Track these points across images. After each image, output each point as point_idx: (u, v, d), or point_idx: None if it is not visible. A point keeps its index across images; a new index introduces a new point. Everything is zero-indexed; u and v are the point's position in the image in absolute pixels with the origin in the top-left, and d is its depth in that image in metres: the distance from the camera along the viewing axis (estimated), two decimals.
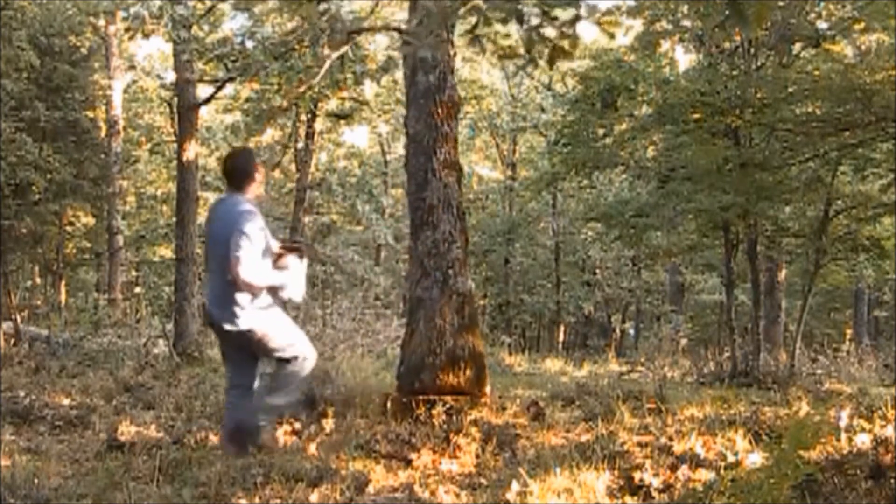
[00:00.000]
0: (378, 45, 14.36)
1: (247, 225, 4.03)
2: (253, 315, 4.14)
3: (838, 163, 9.53)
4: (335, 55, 6.65)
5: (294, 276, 4.30)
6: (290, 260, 4.31)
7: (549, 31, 2.67)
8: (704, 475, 3.63)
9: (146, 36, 10.33)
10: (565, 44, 2.67)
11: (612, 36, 3.00)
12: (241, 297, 4.10)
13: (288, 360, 4.32)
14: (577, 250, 23.97)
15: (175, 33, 10.03)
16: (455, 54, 6.33)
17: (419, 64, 5.91)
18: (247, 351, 4.30)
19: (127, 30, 10.35)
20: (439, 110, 5.88)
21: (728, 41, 10.41)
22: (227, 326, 4.15)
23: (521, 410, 5.89)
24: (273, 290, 4.25)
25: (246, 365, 4.35)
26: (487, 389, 6.07)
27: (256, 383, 4.43)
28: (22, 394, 6.13)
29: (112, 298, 16.90)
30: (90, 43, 17.93)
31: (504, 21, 2.70)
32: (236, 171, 4.23)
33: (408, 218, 6.36)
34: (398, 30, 6.55)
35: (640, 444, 4.50)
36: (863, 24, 8.81)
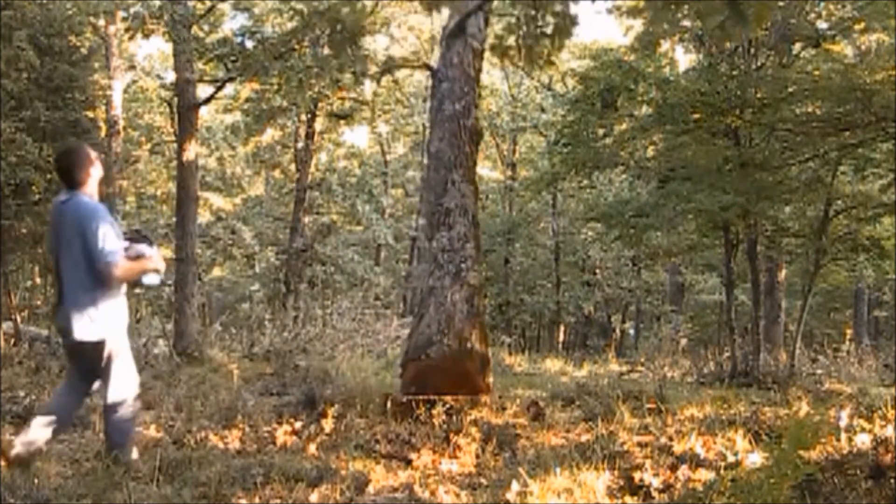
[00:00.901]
0: (378, 46, 14.36)
1: (101, 219, 3.93)
2: (109, 325, 4.00)
3: (838, 163, 9.53)
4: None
5: (153, 262, 4.16)
6: (142, 247, 4.16)
7: None
8: (704, 475, 3.63)
9: (146, 36, 10.35)
10: None
11: None
12: (100, 304, 3.96)
13: (116, 403, 4.04)
14: (577, 250, 23.97)
15: (175, 33, 10.03)
16: (480, 96, 6.80)
17: (447, 94, 6.39)
18: (89, 364, 4.07)
19: (127, 29, 10.36)
20: (462, 133, 6.31)
21: (728, 41, 10.41)
22: (83, 337, 3.94)
23: (521, 410, 5.90)
24: (136, 280, 4.14)
25: (86, 377, 4.16)
26: (490, 380, 6.12)
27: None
28: (22, 394, 6.13)
29: None
30: (90, 43, 17.90)
31: None
32: (71, 168, 4.04)
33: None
34: (430, 68, 6.97)
35: (640, 444, 4.50)
36: (863, 24, 8.82)
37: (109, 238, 3.89)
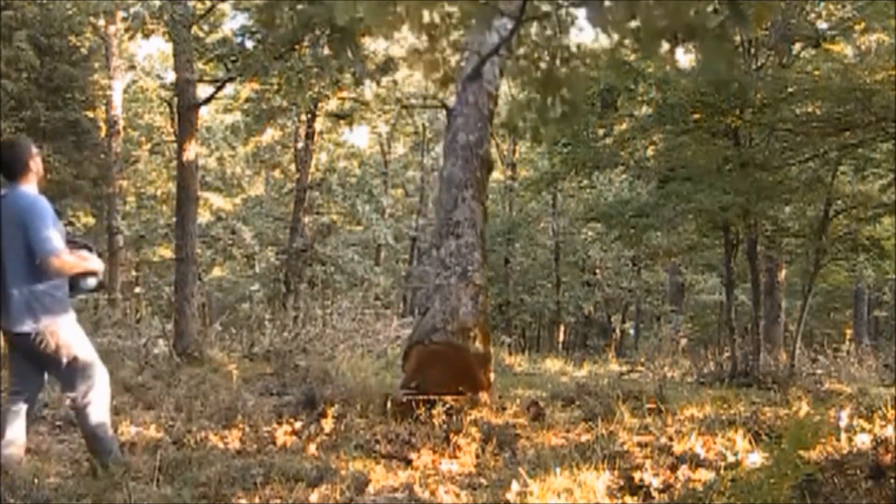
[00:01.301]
0: (378, 46, 14.36)
1: (43, 213, 3.90)
2: (55, 318, 3.95)
3: (838, 163, 9.53)
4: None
5: (93, 263, 4.13)
6: (82, 253, 4.12)
7: None
8: (704, 475, 3.63)
9: (146, 36, 10.34)
10: None
11: None
12: (44, 298, 3.92)
13: (86, 405, 3.99)
14: (577, 250, 23.96)
15: (175, 33, 10.02)
16: (493, 135, 7.29)
17: (461, 127, 6.77)
18: (36, 361, 4.02)
19: (127, 29, 10.36)
20: (474, 160, 6.67)
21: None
22: (27, 328, 3.88)
23: (521, 410, 5.90)
24: (75, 279, 4.07)
25: (33, 374, 4.10)
26: (491, 377, 6.14)
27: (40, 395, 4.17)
28: None
29: (112, 298, 16.90)
30: (90, 43, 17.93)
31: None
32: (12, 161, 4.01)
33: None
34: (445, 107, 7.28)
35: (640, 444, 4.50)
36: (863, 24, 8.82)
37: (50, 230, 3.87)
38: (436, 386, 5.72)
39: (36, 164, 4.07)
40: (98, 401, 4.04)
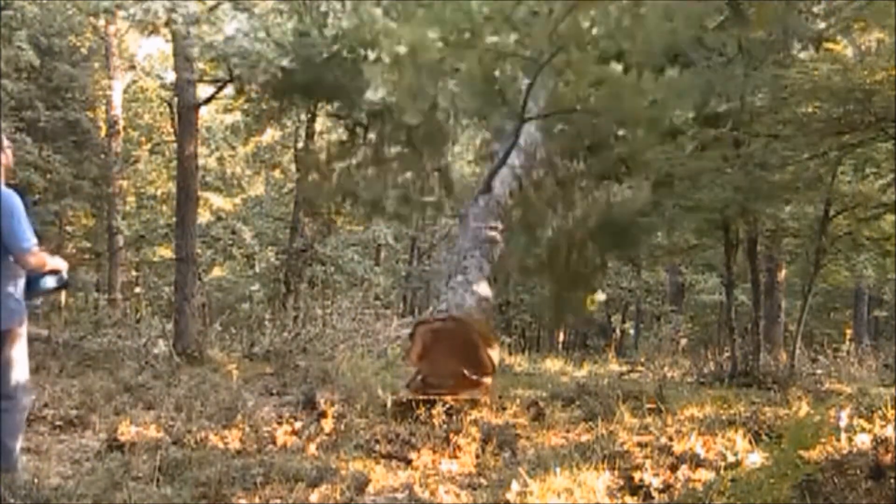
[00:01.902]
0: None
1: (16, 209, 3.85)
2: (20, 312, 3.90)
3: (838, 163, 9.52)
4: None
5: (58, 261, 4.07)
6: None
7: None
8: (704, 475, 3.63)
9: (153, 32, 10.34)
10: None
11: None
12: (14, 292, 3.86)
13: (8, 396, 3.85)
14: None
15: (186, 29, 10.01)
16: (501, 230, 8.00)
17: (473, 218, 7.66)
18: None
19: (131, 25, 10.36)
20: (483, 236, 7.45)
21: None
22: (4, 326, 3.81)
23: (521, 410, 5.91)
24: (35, 279, 3.99)
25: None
26: (495, 359, 6.26)
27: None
28: None
29: (112, 298, 16.92)
30: (90, 43, 17.94)
31: None
32: None
33: None
34: (459, 215, 8.35)
35: (640, 444, 4.50)
36: (863, 24, 8.81)
37: (25, 226, 3.82)
38: (441, 373, 5.76)
39: (6, 157, 4.00)
40: (26, 399, 3.96)
